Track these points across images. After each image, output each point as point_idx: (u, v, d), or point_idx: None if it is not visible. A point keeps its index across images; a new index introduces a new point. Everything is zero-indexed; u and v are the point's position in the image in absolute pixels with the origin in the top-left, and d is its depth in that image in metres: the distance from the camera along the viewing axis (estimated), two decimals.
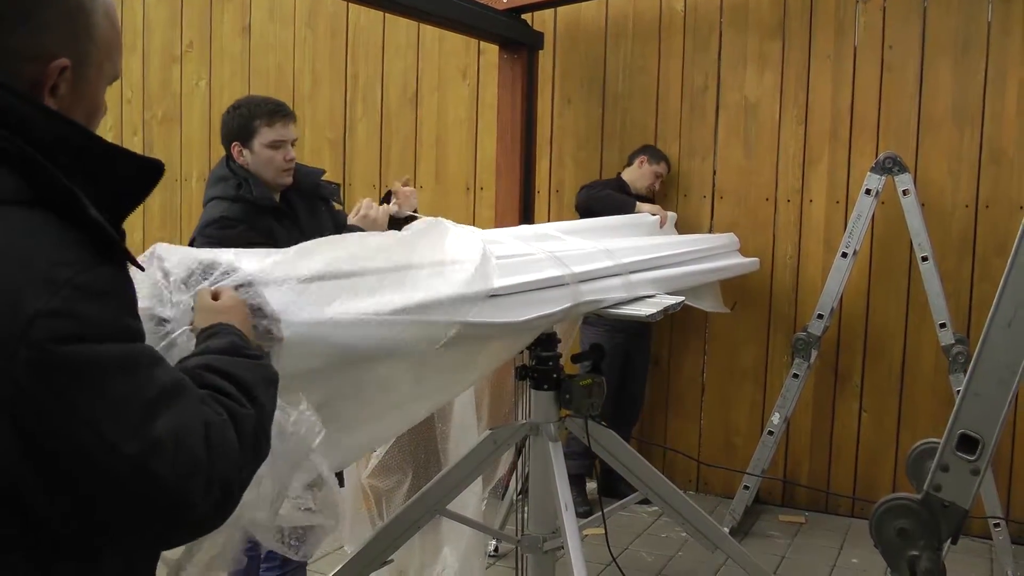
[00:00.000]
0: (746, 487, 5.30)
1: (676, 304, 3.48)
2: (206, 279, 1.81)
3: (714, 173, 5.85)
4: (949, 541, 2.45)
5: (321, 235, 3.28)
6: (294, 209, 3.48)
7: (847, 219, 5.20)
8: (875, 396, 5.51)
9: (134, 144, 7.54)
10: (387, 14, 6.25)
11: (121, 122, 7.58)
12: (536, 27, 6.03)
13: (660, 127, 5.97)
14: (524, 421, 3.45)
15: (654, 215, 5.33)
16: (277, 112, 3.38)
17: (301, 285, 1.95)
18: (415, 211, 3.56)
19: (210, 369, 1.45)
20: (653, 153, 5.73)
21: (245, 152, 3.37)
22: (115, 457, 1.18)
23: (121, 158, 1.34)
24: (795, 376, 5.16)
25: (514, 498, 4.54)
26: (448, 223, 2.78)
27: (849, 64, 5.46)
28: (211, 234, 3.25)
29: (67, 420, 1.16)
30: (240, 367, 1.48)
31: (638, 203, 5.45)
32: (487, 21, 5.52)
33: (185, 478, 1.23)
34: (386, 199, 3.61)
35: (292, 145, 3.43)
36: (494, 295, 2.59)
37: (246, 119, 3.37)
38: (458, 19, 5.29)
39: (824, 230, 5.55)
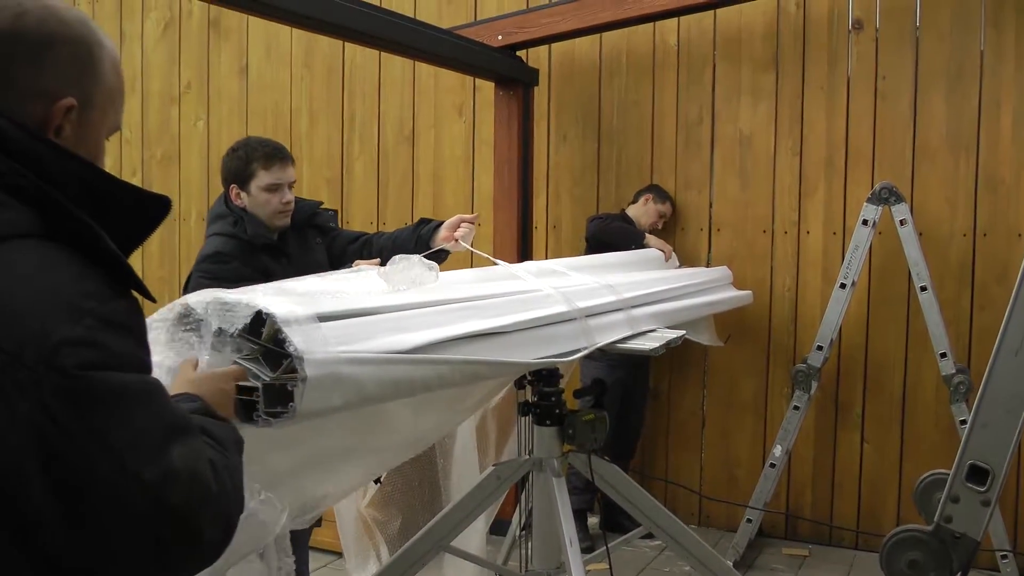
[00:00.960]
0: (749, 520, 5.28)
1: (677, 338, 3.48)
2: (230, 321, 1.84)
3: (710, 206, 5.86)
4: (960, 574, 2.44)
5: (314, 267, 3.32)
6: (287, 245, 3.51)
7: (845, 250, 5.21)
8: (876, 427, 5.50)
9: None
10: (383, 53, 6.28)
11: (120, 162, 7.60)
12: (531, 63, 6.07)
13: (656, 161, 5.99)
14: (527, 456, 3.44)
15: (661, 250, 5.37)
16: (274, 156, 3.40)
17: (324, 324, 1.96)
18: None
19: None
20: (659, 193, 5.75)
21: (243, 195, 3.40)
22: (135, 486, 1.20)
23: (128, 193, 1.38)
24: (796, 408, 5.15)
25: (517, 533, 4.51)
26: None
27: (843, 94, 5.48)
28: (206, 269, 3.30)
29: (91, 448, 1.19)
30: (211, 424, 1.50)
31: (647, 235, 5.48)
32: (482, 58, 5.56)
33: (197, 509, 1.26)
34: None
35: (290, 188, 3.45)
36: (501, 332, 2.60)
37: (243, 162, 3.39)
38: (453, 57, 5.31)
39: (822, 261, 5.56)
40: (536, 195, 6.17)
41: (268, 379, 1.81)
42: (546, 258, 6.14)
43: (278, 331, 1.82)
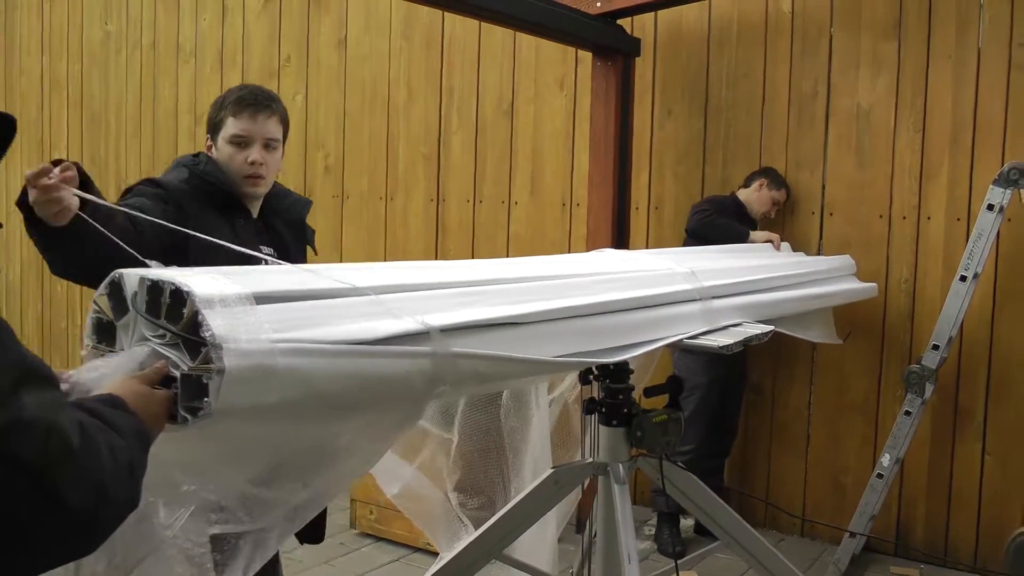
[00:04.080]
0: (852, 535, 4.83)
1: (762, 335, 3.10)
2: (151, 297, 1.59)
3: (823, 187, 5.40)
4: None
5: None
6: (277, 233, 2.95)
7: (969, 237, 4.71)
8: (1001, 436, 4.96)
9: None
10: (483, 24, 6.00)
11: None
12: (635, 33, 5.70)
13: (766, 138, 5.56)
14: (590, 460, 3.11)
15: (767, 241, 4.99)
16: (244, 101, 2.80)
17: (264, 306, 1.65)
18: None
19: (80, 406, 1.31)
20: (774, 178, 5.33)
21: (214, 148, 2.85)
22: None
23: None
24: (907, 413, 4.68)
25: (588, 542, 4.23)
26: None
27: (972, 64, 4.95)
28: (136, 189, 2.68)
29: None
30: (105, 410, 1.32)
31: (751, 233, 5.08)
32: (577, 26, 5.20)
33: (54, 467, 1.11)
34: None
35: (267, 147, 2.83)
36: (517, 323, 2.24)
37: (216, 108, 2.85)
38: (546, 24, 4.98)
39: (944, 250, 5.05)
40: (638, 173, 5.84)
41: (186, 369, 1.53)
42: (647, 240, 5.83)
43: (196, 312, 1.52)
